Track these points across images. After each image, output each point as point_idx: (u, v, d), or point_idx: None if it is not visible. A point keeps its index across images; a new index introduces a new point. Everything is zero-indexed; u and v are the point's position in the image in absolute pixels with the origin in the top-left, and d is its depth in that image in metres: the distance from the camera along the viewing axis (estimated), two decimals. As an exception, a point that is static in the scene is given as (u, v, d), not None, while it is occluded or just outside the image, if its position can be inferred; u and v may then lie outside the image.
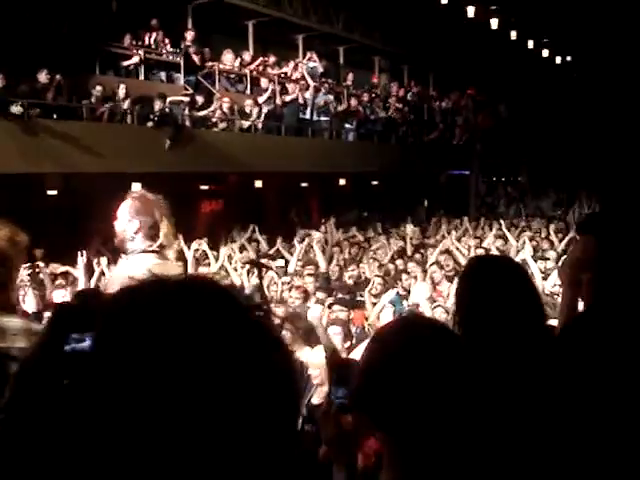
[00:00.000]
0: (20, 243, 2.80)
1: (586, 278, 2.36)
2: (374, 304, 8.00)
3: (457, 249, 10.68)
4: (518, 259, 9.72)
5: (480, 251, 11.18)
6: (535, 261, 9.55)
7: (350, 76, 20.90)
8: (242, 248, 11.69)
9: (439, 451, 1.51)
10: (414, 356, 1.53)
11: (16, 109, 11.39)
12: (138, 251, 3.80)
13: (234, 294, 0.97)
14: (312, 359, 5.57)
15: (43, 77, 12.29)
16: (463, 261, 10.06)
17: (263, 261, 10.35)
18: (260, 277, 6.71)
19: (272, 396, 0.90)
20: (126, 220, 3.86)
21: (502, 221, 13.74)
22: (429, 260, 10.55)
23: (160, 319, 0.90)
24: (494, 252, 10.87)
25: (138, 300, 0.94)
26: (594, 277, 2.30)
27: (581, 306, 2.54)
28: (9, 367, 2.37)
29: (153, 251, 3.78)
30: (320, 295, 8.43)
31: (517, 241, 12.00)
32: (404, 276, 9.46)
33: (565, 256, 10.10)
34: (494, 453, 1.73)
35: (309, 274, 9.23)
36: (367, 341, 5.35)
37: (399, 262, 10.61)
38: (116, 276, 3.75)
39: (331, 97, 18.65)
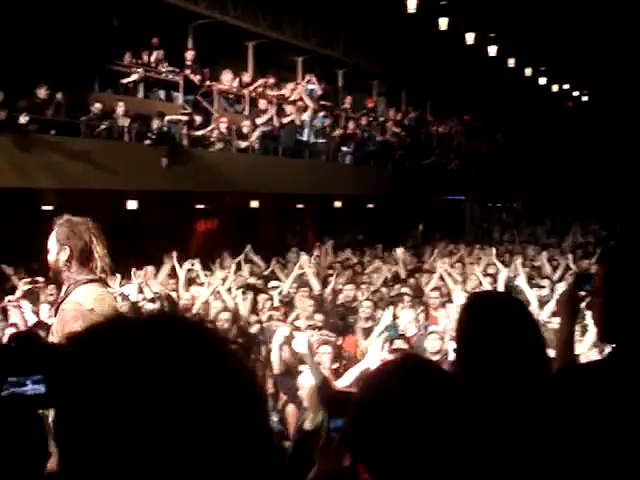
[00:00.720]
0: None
1: (597, 302, 2.35)
2: (364, 328, 7.99)
3: (449, 275, 10.64)
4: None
5: (474, 278, 11.17)
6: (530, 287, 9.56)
7: (348, 99, 21.00)
8: (238, 268, 11.63)
9: None
10: (410, 399, 1.51)
11: (24, 119, 11.38)
12: (82, 281, 3.66)
13: (203, 329, 0.98)
14: (301, 382, 5.55)
15: (42, 93, 12.30)
16: (453, 287, 10.05)
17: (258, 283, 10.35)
18: (255, 301, 6.67)
19: (238, 426, 0.92)
20: (56, 249, 3.73)
21: (493, 249, 13.66)
22: (429, 285, 10.53)
23: (128, 359, 0.90)
24: (484, 279, 10.79)
25: (105, 343, 0.94)
26: (603, 303, 2.29)
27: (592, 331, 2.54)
28: None
29: (95, 280, 3.68)
30: (318, 317, 8.41)
31: (510, 266, 11.97)
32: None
33: (561, 284, 10.14)
34: None
35: (304, 296, 9.20)
36: (357, 369, 5.36)
37: (397, 286, 10.59)
38: (68, 310, 3.60)
39: (328, 120, 18.72)
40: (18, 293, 8.64)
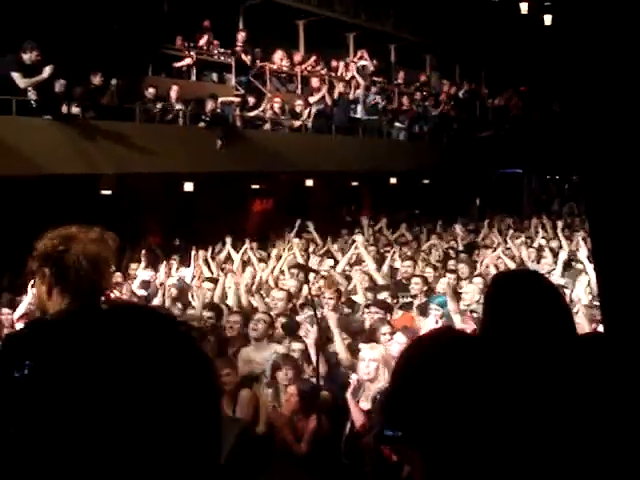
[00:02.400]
0: (111, 245, 2.71)
1: None
2: (419, 305, 7.99)
3: (507, 250, 10.54)
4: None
5: (531, 250, 11.04)
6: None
7: (401, 74, 20.80)
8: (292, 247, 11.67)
9: (466, 465, 1.48)
10: (445, 368, 1.52)
11: (76, 110, 11.64)
12: None
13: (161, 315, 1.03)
14: (367, 354, 5.52)
15: (97, 80, 12.49)
16: (512, 265, 9.93)
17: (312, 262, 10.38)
18: (306, 281, 6.68)
19: (194, 407, 0.96)
20: None
21: (559, 222, 13.41)
22: (484, 261, 10.44)
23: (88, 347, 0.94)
24: (547, 253, 10.68)
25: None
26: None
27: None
28: None
29: None
30: (369, 295, 8.43)
31: (571, 241, 11.78)
32: (450, 276, 9.34)
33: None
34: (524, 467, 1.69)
35: (359, 272, 9.23)
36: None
37: (451, 262, 10.52)
38: None
39: (380, 97, 18.56)
40: None
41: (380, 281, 9.33)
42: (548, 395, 2.01)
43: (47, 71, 11.18)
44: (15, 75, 11.13)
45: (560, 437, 1.93)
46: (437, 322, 6.79)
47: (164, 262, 10.14)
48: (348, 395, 5.27)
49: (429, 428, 1.49)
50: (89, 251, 2.57)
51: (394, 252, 11.18)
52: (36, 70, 11.22)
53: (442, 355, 1.54)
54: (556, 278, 8.89)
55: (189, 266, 10.60)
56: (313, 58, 17.86)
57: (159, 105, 13.53)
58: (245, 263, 10.76)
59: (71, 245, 2.58)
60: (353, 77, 18.10)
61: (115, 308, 1.07)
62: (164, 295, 8.51)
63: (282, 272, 9.73)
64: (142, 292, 9.24)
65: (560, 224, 13.18)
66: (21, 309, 7.49)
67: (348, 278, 9.54)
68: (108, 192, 13.23)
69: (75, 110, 11.87)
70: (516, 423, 1.53)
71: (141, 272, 10.16)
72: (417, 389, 1.52)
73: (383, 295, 8.25)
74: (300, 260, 10.36)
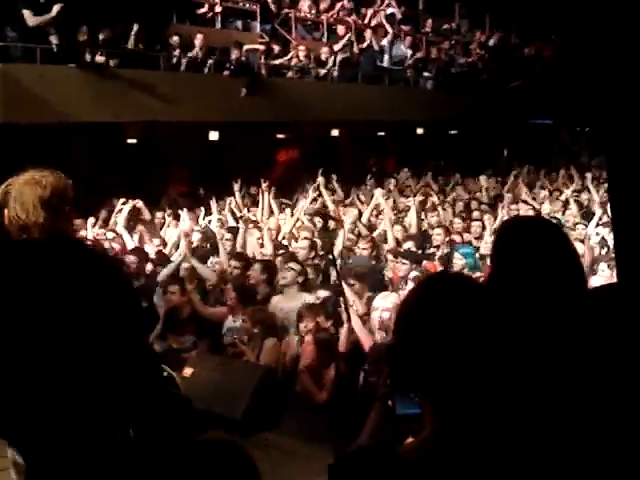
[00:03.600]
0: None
1: None
2: (440, 256, 7.98)
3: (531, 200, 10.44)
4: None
5: (557, 203, 10.94)
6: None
7: (429, 22, 20.42)
8: (316, 197, 11.65)
9: (472, 409, 1.51)
10: (443, 310, 1.53)
11: (101, 58, 11.61)
12: None
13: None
14: (380, 304, 5.54)
15: (121, 27, 12.41)
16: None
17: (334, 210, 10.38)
18: (326, 228, 6.68)
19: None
20: None
21: (588, 174, 13.20)
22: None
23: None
24: (573, 206, 10.58)
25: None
26: None
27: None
28: None
29: None
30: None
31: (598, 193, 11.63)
32: (475, 224, 9.33)
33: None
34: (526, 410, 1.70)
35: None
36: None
37: (476, 214, 10.47)
38: None
39: (410, 43, 18.26)
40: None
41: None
42: (551, 343, 2.00)
43: (55, 9, 11.11)
44: (25, 13, 11.08)
45: (560, 383, 1.93)
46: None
47: (186, 211, 10.16)
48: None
49: (433, 376, 1.50)
50: (18, 194, 2.83)
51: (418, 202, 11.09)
52: (46, 9, 11.16)
53: (438, 301, 1.55)
54: (591, 229, 8.83)
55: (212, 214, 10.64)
56: (339, 4, 17.54)
57: (183, 54, 13.42)
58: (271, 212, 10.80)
59: (9, 189, 2.86)
60: (380, 25, 17.80)
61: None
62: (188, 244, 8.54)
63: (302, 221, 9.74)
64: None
65: (589, 176, 12.98)
66: None
67: (372, 228, 9.55)
68: (133, 140, 13.26)
69: (99, 58, 11.81)
70: (517, 369, 1.53)
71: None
72: (417, 339, 1.52)
73: (408, 245, 8.25)
74: (329, 203, 10.43)
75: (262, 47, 14.93)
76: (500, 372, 1.50)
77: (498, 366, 1.49)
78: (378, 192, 10.95)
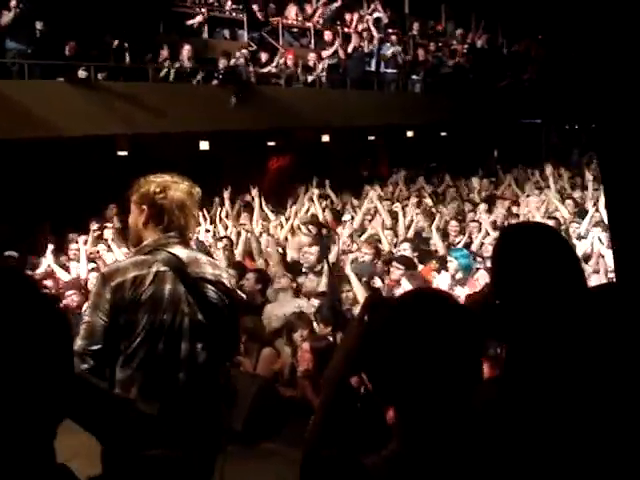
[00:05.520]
0: (195, 195, 3.26)
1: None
2: (438, 257, 7.98)
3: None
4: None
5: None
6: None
7: (416, 25, 20.45)
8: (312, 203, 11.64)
9: (438, 421, 1.53)
10: (416, 326, 1.55)
11: (83, 74, 11.61)
12: None
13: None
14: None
15: (108, 40, 12.41)
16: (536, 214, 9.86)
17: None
18: (320, 235, 6.69)
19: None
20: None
21: (587, 172, 13.13)
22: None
23: None
24: (561, 206, 10.57)
25: None
26: None
27: None
28: (206, 288, 3.08)
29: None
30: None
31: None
32: (473, 225, 9.37)
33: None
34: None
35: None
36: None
37: (471, 215, 10.52)
38: None
39: (399, 48, 18.28)
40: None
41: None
42: (556, 347, 2.00)
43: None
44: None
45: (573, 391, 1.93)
46: (453, 276, 6.78)
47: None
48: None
49: (398, 389, 1.55)
50: (179, 199, 3.17)
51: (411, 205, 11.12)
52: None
53: (415, 315, 1.57)
54: (584, 228, 8.84)
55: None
56: (322, 6, 17.45)
57: (171, 65, 13.43)
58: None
59: (167, 192, 3.17)
60: (367, 29, 17.83)
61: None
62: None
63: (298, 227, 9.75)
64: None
65: (589, 176, 12.93)
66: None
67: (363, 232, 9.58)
68: (124, 153, 13.23)
69: (84, 73, 11.82)
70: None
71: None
72: (383, 354, 1.57)
73: (404, 247, 8.25)
74: (320, 213, 10.42)
75: (245, 51, 14.78)
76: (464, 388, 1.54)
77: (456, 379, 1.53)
78: (373, 194, 10.98)
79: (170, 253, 3.07)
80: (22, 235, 10.57)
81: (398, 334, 1.54)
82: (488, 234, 8.65)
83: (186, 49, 13.67)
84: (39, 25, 11.29)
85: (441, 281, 6.99)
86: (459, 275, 7.02)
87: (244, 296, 6.78)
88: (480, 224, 9.30)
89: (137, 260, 3.08)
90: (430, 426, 1.53)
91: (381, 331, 1.58)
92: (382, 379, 1.57)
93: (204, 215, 10.58)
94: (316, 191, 12.00)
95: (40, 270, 8.43)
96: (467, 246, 8.58)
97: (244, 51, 14.61)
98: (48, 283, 7.92)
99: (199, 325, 3.05)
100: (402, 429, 1.57)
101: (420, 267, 7.68)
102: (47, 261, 8.65)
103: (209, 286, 3.10)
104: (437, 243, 8.69)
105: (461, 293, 6.17)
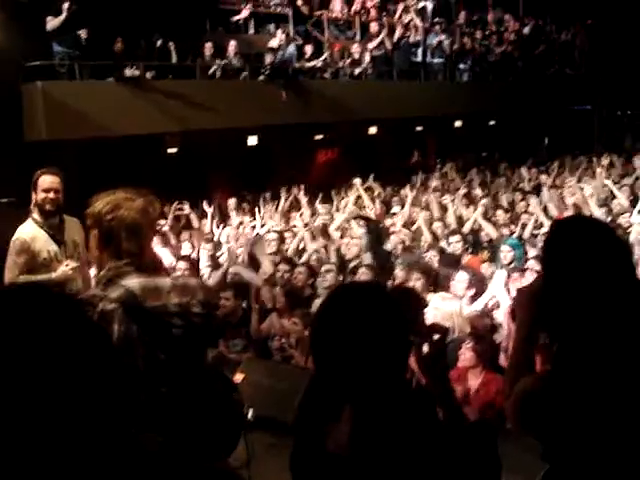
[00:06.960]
0: (152, 214, 2.92)
1: None
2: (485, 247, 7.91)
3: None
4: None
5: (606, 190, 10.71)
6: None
7: (462, 14, 20.23)
8: (358, 197, 11.62)
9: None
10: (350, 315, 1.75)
11: (131, 72, 11.76)
12: None
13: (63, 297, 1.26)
14: (442, 307, 5.48)
15: (156, 39, 12.56)
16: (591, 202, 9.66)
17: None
18: (369, 231, 6.67)
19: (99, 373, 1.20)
20: None
21: (638, 160, 12.83)
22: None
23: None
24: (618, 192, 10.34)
25: None
26: None
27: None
28: (170, 321, 2.74)
29: None
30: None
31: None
32: (524, 216, 9.26)
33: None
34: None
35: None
36: (485, 298, 5.28)
37: (522, 204, 10.40)
38: None
39: (444, 36, 18.09)
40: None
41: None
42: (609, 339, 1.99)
43: (65, 7, 11.26)
44: (48, 19, 11.35)
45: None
46: (507, 264, 6.71)
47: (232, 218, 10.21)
48: None
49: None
50: (130, 220, 2.80)
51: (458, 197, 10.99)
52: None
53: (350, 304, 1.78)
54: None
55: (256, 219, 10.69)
56: (370, 2, 17.41)
57: (218, 62, 13.53)
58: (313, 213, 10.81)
59: (116, 213, 2.82)
60: (412, 20, 17.69)
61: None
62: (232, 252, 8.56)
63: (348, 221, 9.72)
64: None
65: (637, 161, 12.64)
66: None
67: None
68: (173, 150, 13.38)
69: (135, 72, 11.97)
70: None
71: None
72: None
73: (455, 239, 8.17)
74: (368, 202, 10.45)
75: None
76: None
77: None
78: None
79: (122, 286, 2.71)
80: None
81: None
82: (542, 225, 8.53)
83: (232, 45, 13.75)
84: (83, 33, 11.46)
85: (494, 271, 6.92)
86: (513, 265, 6.96)
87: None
88: (531, 215, 9.17)
89: (88, 295, 2.79)
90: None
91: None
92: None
93: (252, 210, 10.64)
94: (359, 181, 12.02)
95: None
96: (519, 237, 8.49)
97: (292, 46, 14.60)
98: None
99: (160, 366, 2.70)
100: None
101: (468, 258, 7.63)
102: None
103: (174, 319, 2.76)
104: (489, 232, 8.59)
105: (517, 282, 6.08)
